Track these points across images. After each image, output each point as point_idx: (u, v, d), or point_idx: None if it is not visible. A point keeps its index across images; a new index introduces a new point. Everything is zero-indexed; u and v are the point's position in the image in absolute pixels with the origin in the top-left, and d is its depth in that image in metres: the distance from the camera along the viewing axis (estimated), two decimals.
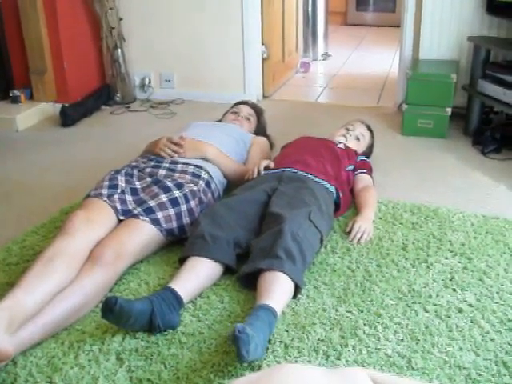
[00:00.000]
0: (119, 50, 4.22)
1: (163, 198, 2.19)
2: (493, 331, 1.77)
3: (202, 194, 2.32)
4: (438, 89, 3.36)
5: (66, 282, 1.81)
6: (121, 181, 2.30)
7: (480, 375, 1.60)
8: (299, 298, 1.94)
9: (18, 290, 1.71)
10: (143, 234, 2.09)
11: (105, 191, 2.21)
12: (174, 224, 2.17)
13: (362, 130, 2.87)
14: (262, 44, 4.26)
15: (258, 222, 2.18)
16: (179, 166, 2.41)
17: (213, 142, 2.58)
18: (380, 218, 2.46)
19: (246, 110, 3.03)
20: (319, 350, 1.71)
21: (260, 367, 1.64)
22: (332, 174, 2.45)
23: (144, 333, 1.78)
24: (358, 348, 1.71)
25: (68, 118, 3.84)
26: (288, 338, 1.75)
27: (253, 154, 2.77)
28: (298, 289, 1.92)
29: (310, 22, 5.59)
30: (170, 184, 2.25)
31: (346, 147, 2.70)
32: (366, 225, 2.33)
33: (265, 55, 4.31)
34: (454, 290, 1.98)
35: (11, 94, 4.00)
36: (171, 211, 2.17)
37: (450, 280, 2.03)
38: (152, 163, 2.44)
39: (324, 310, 1.89)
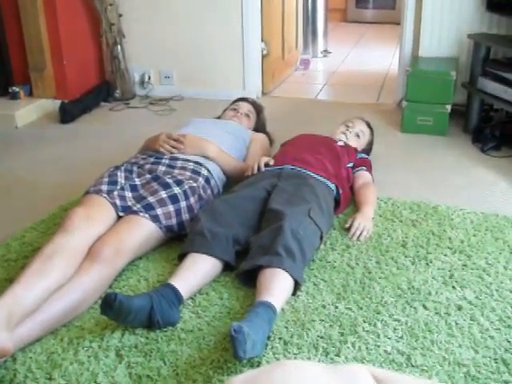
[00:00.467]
0: (119, 47, 4.21)
1: (163, 194, 2.18)
2: (492, 328, 1.77)
3: (201, 191, 2.32)
4: (438, 86, 3.36)
5: (65, 278, 1.81)
6: (120, 177, 2.29)
7: (479, 372, 1.60)
8: (299, 294, 1.94)
9: (17, 286, 1.71)
10: (142, 231, 2.08)
11: (104, 187, 2.20)
12: (174, 221, 2.17)
13: (361, 127, 2.87)
14: (262, 41, 4.26)
15: (258, 218, 2.17)
16: (179, 163, 2.40)
17: (213, 139, 2.57)
18: (380, 215, 2.46)
19: (245, 107, 3.02)
20: (318, 346, 1.71)
21: (259, 364, 1.64)
22: (332, 172, 2.45)
23: (143, 329, 1.78)
24: (357, 345, 1.71)
25: (67, 114, 3.83)
26: (287, 334, 1.75)
27: (252, 151, 2.77)
28: (297, 286, 1.92)
29: (309, 19, 5.58)
30: (169, 180, 2.25)
31: (346, 145, 2.70)
32: (365, 222, 2.33)
33: (264, 52, 4.31)
34: (454, 287, 1.98)
35: (10, 90, 3.99)
36: (171, 208, 2.17)
37: (450, 277, 2.03)
38: (151, 159, 2.43)
39: (323, 306, 1.89)
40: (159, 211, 2.13)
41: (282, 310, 1.85)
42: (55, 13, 3.86)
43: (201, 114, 3.22)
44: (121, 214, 2.13)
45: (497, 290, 1.96)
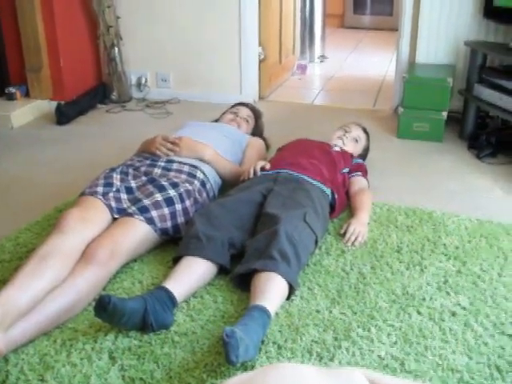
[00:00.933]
0: (116, 49, 4.21)
1: (158, 197, 2.18)
2: (486, 335, 1.77)
3: (197, 194, 2.32)
4: (435, 93, 3.37)
5: (59, 280, 1.80)
6: (116, 179, 2.29)
7: (473, 378, 1.60)
8: (293, 299, 1.94)
9: (11, 287, 1.71)
10: (137, 233, 2.08)
11: (100, 189, 2.20)
12: (169, 223, 2.16)
13: (358, 132, 2.88)
14: (259, 45, 4.26)
15: (253, 222, 2.17)
16: (174, 166, 2.40)
17: (209, 142, 2.57)
18: (375, 221, 2.47)
19: (245, 112, 3.03)
20: (312, 351, 1.70)
21: (253, 368, 1.64)
22: (327, 177, 2.45)
23: (137, 332, 1.77)
24: (351, 350, 1.71)
25: (63, 115, 3.83)
26: (281, 339, 1.75)
27: (248, 155, 2.77)
28: (292, 290, 1.92)
29: (307, 24, 5.59)
30: (165, 183, 2.25)
31: (342, 150, 2.70)
32: (360, 227, 2.33)
33: (262, 56, 4.31)
34: (448, 293, 1.98)
35: (7, 91, 3.98)
36: (166, 210, 2.16)
37: (444, 283, 2.04)
38: (147, 162, 2.43)
39: (318, 311, 1.89)
40: (154, 214, 2.13)
41: (276, 314, 1.85)
42: (52, 14, 3.86)
43: (197, 118, 3.22)
44: (116, 216, 2.13)
45: (491, 297, 1.96)
